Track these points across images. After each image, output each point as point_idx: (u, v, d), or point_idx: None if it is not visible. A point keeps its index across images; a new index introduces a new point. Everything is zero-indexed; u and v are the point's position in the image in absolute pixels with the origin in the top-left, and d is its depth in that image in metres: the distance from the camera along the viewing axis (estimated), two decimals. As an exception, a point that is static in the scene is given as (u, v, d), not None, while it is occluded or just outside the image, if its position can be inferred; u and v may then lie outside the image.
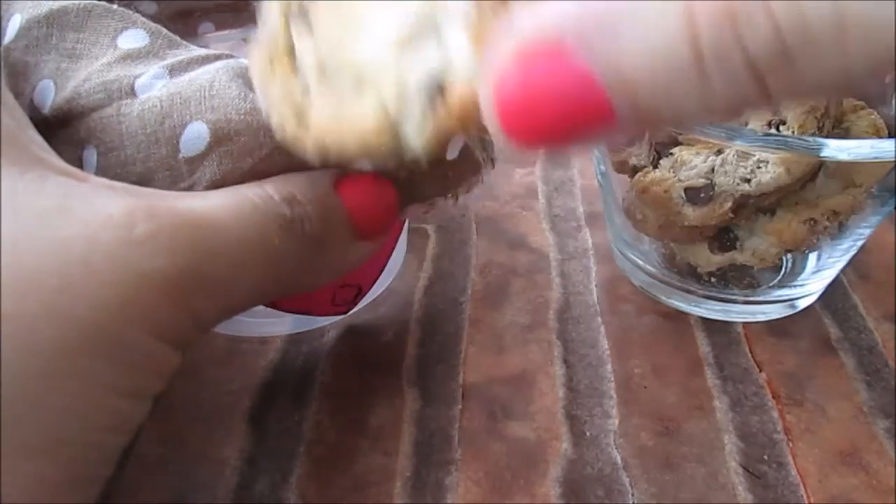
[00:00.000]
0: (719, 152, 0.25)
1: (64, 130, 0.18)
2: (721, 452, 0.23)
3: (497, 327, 0.28)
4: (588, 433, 0.24)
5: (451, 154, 0.21)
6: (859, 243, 0.27)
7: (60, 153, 0.17)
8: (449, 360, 0.26)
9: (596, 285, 0.30)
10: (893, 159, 0.22)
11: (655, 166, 0.26)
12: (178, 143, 0.18)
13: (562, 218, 0.34)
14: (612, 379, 0.26)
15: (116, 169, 0.18)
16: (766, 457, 0.23)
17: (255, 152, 0.18)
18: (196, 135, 0.17)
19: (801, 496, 0.22)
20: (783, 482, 0.22)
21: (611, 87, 0.12)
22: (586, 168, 0.37)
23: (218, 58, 0.19)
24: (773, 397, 0.25)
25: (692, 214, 0.26)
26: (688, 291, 0.28)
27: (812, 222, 0.25)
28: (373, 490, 0.22)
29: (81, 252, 0.14)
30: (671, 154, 0.26)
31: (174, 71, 0.18)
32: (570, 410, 0.24)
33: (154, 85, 0.18)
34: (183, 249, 0.15)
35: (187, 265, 0.15)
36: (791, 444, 0.23)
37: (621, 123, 0.12)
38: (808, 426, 0.24)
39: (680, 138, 0.26)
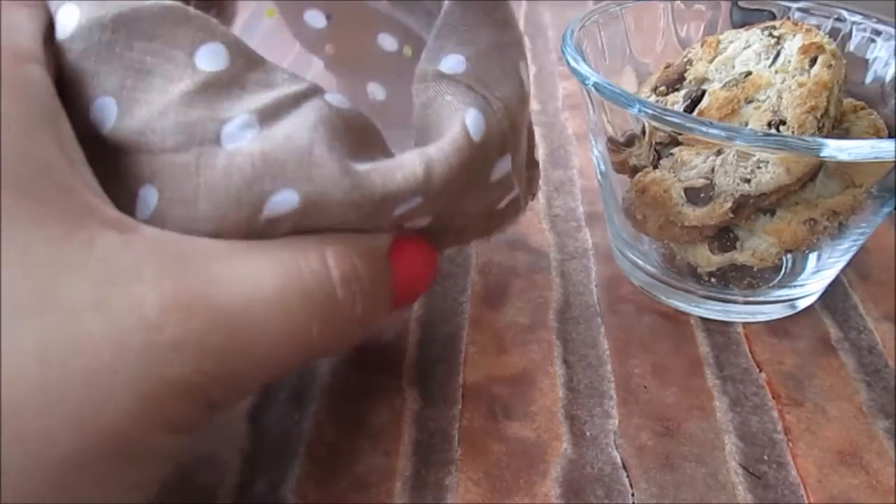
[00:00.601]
0: (719, 152, 0.25)
1: (124, 159, 0.16)
2: (721, 452, 0.23)
3: (497, 327, 0.28)
4: (588, 433, 0.24)
5: (503, 203, 0.21)
6: (859, 243, 0.27)
7: (113, 184, 0.16)
8: (449, 360, 0.26)
9: (596, 285, 0.30)
10: (893, 159, 0.22)
11: (655, 166, 0.26)
12: (262, 206, 0.16)
13: (562, 218, 0.34)
14: (612, 379, 0.26)
15: (184, 224, 0.16)
16: (766, 457, 0.23)
17: (336, 220, 0.17)
18: (285, 201, 0.16)
19: (801, 496, 0.22)
20: (783, 482, 0.22)
21: None
22: (586, 168, 0.37)
23: (306, 96, 0.17)
24: (773, 397, 0.25)
25: (692, 214, 0.26)
26: (688, 291, 0.28)
27: (812, 222, 0.25)
28: (373, 490, 0.22)
29: (110, 358, 0.13)
30: (671, 154, 0.26)
31: (264, 119, 0.16)
32: (570, 410, 0.24)
33: (243, 136, 0.16)
34: (212, 354, 0.15)
35: (213, 369, 0.15)
36: (791, 444, 0.23)
37: None
38: (808, 426, 0.24)
39: (680, 138, 0.26)
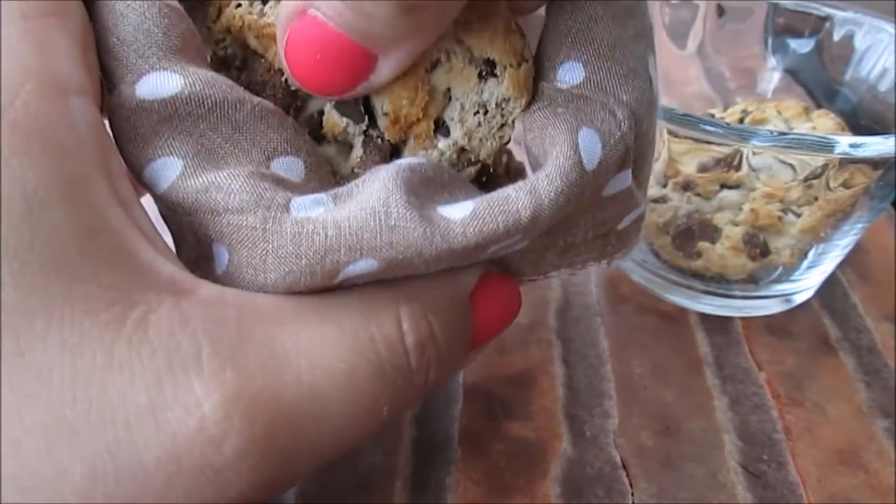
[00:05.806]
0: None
1: (187, 219, 0.15)
2: (721, 452, 0.23)
3: (497, 327, 0.28)
4: (588, 433, 0.24)
5: (624, 223, 0.18)
6: (855, 239, 0.27)
7: (182, 242, 0.15)
8: (449, 359, 0.26)
9: (596, 285, 0.30)
10: None
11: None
12: (337, 275, 0.15)
13: (562, 217, 0.34)
14: (612, 379, 0.26)
15: (254, 288, 0.15)
16: (765, 456, 0.23)
17: (421, 270, 0.15)
18: (363, 268, 0.14)
19: (801, 496, 0.22)
20: (783, 482, 0.22)
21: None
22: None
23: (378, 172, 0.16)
24: (773, 397, 0.25)
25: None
26: (689, 288, 0.28)
27: (838, 213, 0.25)
28: (373, 489, 0.22)
29: (162, 487, 0.12)
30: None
31: (338, 198, 0.15)
32: (570, 410, 0.24)
33: (314, 209, 0.15)
34: (272, 461, 0.13)
35: (270, 478, 0.13)
36: (791, 444, 0.23)
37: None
38: (807, 426, 0.24)
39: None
